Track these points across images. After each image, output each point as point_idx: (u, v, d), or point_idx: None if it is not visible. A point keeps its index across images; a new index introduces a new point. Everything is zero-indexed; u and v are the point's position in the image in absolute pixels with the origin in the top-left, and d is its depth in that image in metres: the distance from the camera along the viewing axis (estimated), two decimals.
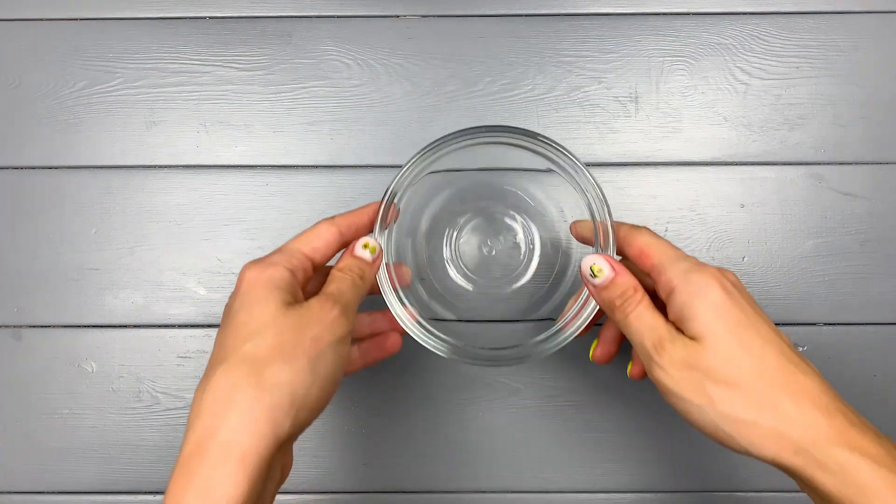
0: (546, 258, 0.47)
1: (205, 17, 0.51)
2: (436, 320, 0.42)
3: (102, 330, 0.50)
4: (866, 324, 0.49)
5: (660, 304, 0.35)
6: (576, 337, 0.39)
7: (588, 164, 0.49)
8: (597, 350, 0.42)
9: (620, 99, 0.50)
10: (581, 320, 0.39)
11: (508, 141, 0.40)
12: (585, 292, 0.39)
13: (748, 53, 0.50)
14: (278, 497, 0.49)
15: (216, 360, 0.32)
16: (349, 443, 0.49)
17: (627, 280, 0.35)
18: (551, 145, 0.39)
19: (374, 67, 0.50)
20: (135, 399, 0.49)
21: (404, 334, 0.41)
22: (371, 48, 0.50)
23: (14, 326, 0.50)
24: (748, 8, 0.50)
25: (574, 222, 0.43)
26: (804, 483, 0.32)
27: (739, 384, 0.32)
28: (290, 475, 0.50)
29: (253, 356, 0.31)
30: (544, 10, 0.50)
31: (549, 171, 0.42)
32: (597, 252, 0.39)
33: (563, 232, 0.47)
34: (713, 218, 0.49)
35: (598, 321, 0.40)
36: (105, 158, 0.50)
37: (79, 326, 0.50)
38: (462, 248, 0.47)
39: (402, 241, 0.44)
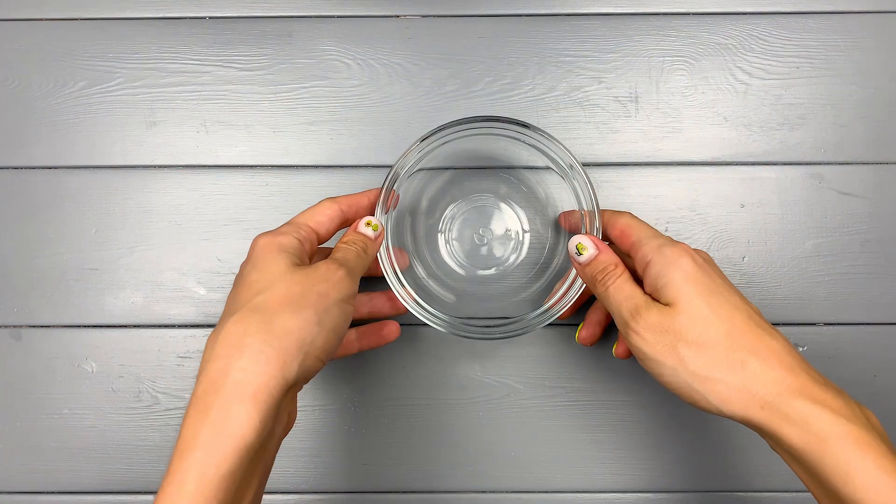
0: (535, 245, 0.49)
1: (205, 17, 0.51)
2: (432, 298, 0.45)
3: (102, 330, 0.50)
4: (866, 324, 0.49)
5: (639, 282, 0.38)
6: (561, 315, 0.42)
7: (588, 164, 0.49)
8: (582, 331, 0.45)
9: (620, 99, 0.50)
10: (567, 298, 0.42)
11: (502, 132, 0.43)
12: (572, 275, 0.42)
13: (748, 53, 0.50)
14: (278, 497, 0.49)
15: (228, 312, 0.34)
16: (349, 443, 0.49)
17: (609, 257, 0.38)
18: (543, 135, 0.42)
19: (374, 67, 0.50)
20: (135, 399, 0.49)
21: (405, 312, 0.43)
22: (371, 48, 0.50)
23: (14, 326, 0.50)
24: (748, 8, 0.50)
25: (563, 213, 0.46)
26: (772, 440, 0.33)
27: (709, 345, 0.34)
28: (290, 475, 0.50)
29: (264, 306, 0.33)
30: (544, 10, 0.50)
31: (546, 168, 0.44)
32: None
33: (552, 219, 0.47)
34: (713, 218, 0.49)
35: (589, 305, 0.41)
36: (105, 158, 0.50)
37: (79, 326, 0.50)
38: (456, 233, 0.49)
39: (401, 223, 0.46)
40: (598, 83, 0.50)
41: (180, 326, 0.49)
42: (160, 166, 0.50)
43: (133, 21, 0.51)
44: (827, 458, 0.30)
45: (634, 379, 0.49)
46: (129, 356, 0.49)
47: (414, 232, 0.48)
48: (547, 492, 0.49)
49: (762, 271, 0.49)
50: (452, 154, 0.47)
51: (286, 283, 0.34)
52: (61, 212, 0.50)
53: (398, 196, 0.43)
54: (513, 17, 0.50)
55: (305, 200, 0.49)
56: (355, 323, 0.44)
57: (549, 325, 0.42)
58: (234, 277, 0.50)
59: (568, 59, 0.50)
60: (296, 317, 0.33)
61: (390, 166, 0.42)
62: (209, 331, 0.49)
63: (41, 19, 0.51)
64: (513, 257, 0.49)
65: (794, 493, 0.48)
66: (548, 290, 0.45)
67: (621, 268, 0.38)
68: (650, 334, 0.35)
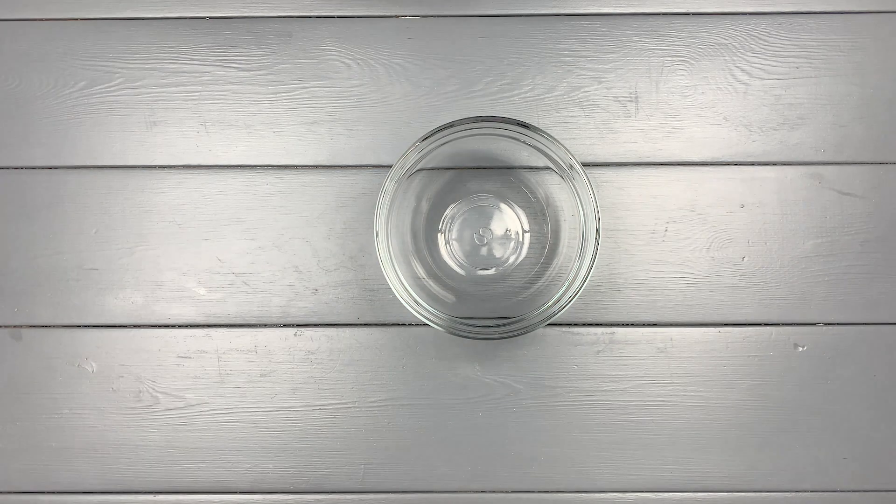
0: (535, 245, 0.48)
1: (205, 17, 0.51)
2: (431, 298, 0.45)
3: (102, 330, 0.50)
4: (866, 324, 0.49)
5: None
6: (550, 324, 0.43)
7: (588, 164, 0.49)
8: None
9: (620, 99, 0.50)
10: (566, 298, 0.42)
11: (502, 132, 0.42)
12: (572, 275, 0.42)
13: (748, 53, 0.50)
14: (279, 497, 0.49)
15: None
16: (349, 443, 0.49)
17: None
18: (543, 135, 0.42)
19: (374, 67, 0.50)
20: (135, 399, 0.49)
21: None
22: (371, 48, 0.50)
23: (14, 326, 0.50)
24: (748, 8, 0.50)
25: None
26: None
27: None
28: (289, 475, 0.50)
29: None
30: (544, 10, 0.50)
31: (546, 168, 0.44)
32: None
33: (552, 220, 0.47)
34: (713, 218, 0.49)
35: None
36: (105, 158, 0.50)
37: (79, 326, 0.50)
38: (456, 233, 0.49)
39: (402, 223, 0.46)
40: (598, 83, 0.50)
41: (180, 326, 0.49)
42: (160, 166, 0.50)
43: (133, 21, 0.51)
44: None
45: (634, 379, 0.49)
46: (129, 356, 0.49)
47: (414, 232, 0.48)
48: (547, 492, 0.49)
49: (762, 271, 0.49)
50: (452, 154, 0.47)
51: None
52: (61, 212, 0.50)
53: None
54: (513, 17, 0.50)
55: (305, 200, 0.49)
56: None
57: (549, 325, 0.42)
58: (234, 278, 0.50)
59: (568, 59, 0.50)
60: None
61: (390, 166, 0.42)
62: (209, 331, 0.49)
63: (41, 19, 0.51)
64: (513, 257, 0.49)
65: (795, 493, 0.49)
66: (548, 290, 0.45)
67: None
68: None
